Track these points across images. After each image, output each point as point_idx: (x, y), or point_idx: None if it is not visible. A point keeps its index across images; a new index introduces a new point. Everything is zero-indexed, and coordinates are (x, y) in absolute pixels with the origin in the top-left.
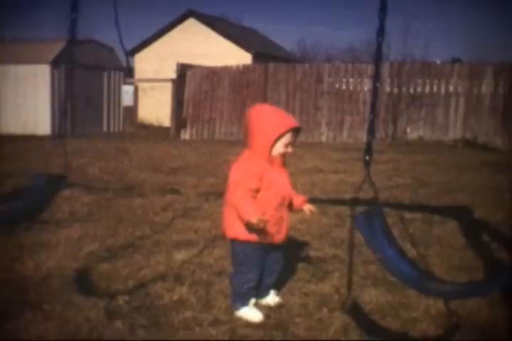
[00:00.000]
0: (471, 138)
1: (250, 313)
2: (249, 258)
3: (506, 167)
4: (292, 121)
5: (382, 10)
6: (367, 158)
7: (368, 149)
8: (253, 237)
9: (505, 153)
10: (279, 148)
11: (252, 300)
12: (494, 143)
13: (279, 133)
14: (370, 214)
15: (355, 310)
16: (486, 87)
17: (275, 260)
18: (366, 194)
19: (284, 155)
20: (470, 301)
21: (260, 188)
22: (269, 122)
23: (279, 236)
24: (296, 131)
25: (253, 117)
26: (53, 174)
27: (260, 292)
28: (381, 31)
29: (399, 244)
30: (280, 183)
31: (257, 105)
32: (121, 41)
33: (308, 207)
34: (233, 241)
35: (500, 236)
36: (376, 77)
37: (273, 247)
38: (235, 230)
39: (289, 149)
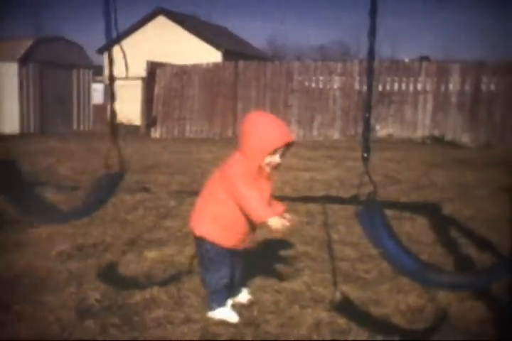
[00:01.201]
0: (439, 136)
1: (227, 314)
2: (221, 253)
3: (474, 163)
4: (289, 136)
5: (373, 9)
6: (365, 155)
7: (366, 146)
8: (223, 242)
9: (472, 149)
10: (271, 158)
11: (229, 302)
12: (462, 140)
13: (274, 147)
14: (370, 209)
15: (328, 307)
16: (453, 85)
17: (237, 260)
18: (337, 191)
19: (272, 168)
20: (440, 296)
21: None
22: (269, 133)
23: (244, 244)
24: (290, 144)
25: (253, 124)
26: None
27: (231, 291)
28: (373, 30)
29: (399, 238)
30: (264, 191)
31: (258, 111)
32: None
33: (288, 216)
34: (203, 238)
35: (468, 232)
36: (370, 75)
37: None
38: (207, 230)
39: (279, 160)
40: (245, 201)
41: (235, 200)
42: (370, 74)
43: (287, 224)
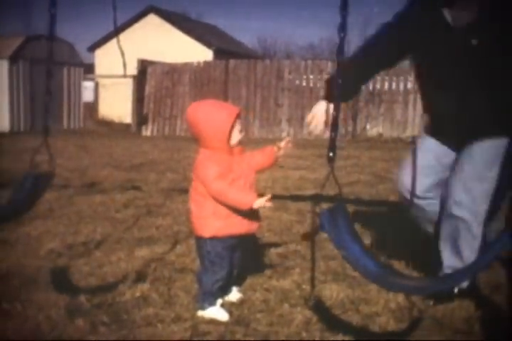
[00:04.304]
0: None
1: (217, 313)
2: (221, 256)
3: None
4: (234, 108)
5: (344, 6)
6: (331, 154)
7: (332, 146)
8: (233, 230)
9: None
10: (235, 136)
11: (220, 301)
12: None
13: (230, 124)
14: (334, 211)
15: (317, 305)
16: None
17: (235, 256)
18: (327, 190)
19: (239, 142)
20: (427, 296)
21: (233, 179)
22: (217, 117)
23: (253, 225)
24: (239, 115)
25: (197, 116)
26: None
27: (224, 290)
28: (343, 27)
29: (362, 241)
30: (245, 171)
31: (194, 103)
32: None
33: (278, 145)
34: (205, 240)
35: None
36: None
37: (238, 241)
38: (214, 228)
39: (243, 133)
40: (223, 196)
41: (213, 198)
42: (339, 72)
43: (268, 197)
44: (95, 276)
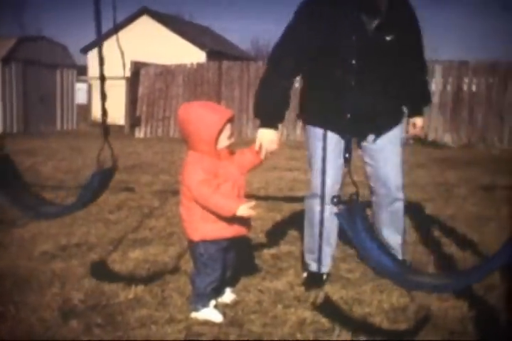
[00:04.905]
0: (421, 136)
1: (211, 315)
2: (213, 258)
3: (455, 163)
4: (226, 112)
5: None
6: (346, 155)
7: (347, 146)
8: (223, 233)
9: (454, 149)
10: (223, 141)
11: (213, 302)
12: (444, 140)
13: (219, 128)
14: (352, 210)
15: (311, 306)
16: (435, 85)
17: (228, 257)
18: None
19: (229, 147)
20: (422, 295)
21: (219, 184)
22: (206, 119)
23: (243, 228)
24: (231, 119)
25: (186, 118)
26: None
27: (218, 291)
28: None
29: (380, 240)
30: (233, 175)
31: (185, 104)
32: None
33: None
34: (197, 243)
35: (449, 230)
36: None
37: (234, 242)
38: (203, 231)
39: (232, 139)
40: (206, 202)
41: (197, 203)
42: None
43: (252, 204)
44: (89, 278)
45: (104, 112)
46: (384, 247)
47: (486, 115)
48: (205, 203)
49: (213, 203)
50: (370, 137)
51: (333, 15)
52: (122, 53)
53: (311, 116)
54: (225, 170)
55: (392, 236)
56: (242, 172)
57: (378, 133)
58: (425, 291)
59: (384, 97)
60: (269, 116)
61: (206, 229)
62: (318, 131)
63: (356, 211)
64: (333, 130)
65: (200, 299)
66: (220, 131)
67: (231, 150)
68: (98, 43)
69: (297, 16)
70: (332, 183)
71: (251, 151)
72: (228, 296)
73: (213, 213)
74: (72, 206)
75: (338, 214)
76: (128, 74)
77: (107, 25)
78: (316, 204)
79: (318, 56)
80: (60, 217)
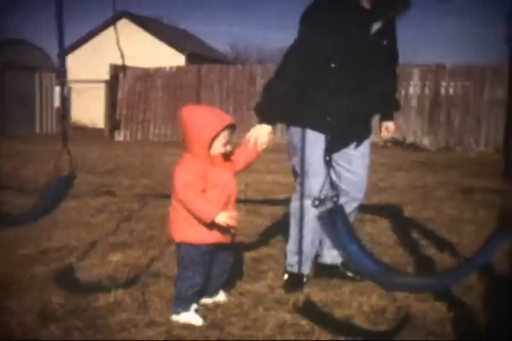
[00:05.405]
0: (400, 139)
1: (191, 319)
2: (195, 262)
3: (433, 166)
4: (226, 119)
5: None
6: (327, 158)
7: (328, 150)
8: (202, 239)
9: (432, 152)
10: (217, 147)
11: (194, 306)
12: (422, 143)
13: (214, 133)
14: (332, 212)
15: (291, 309)
16: (413, 89)
17: (225, 260)
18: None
19: (225, 154)
20: (401, 297)
21: (206, 189)
22: (204, 122)
23: (225, 236)
24: (231, 128)
25: (186, 118)
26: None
27: (210, 293)
28: None
29: (361, 241)
30: (224, 182)
31: (189, 106)
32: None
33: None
34: (179, 244)
35: (428, 233)
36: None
37: (221, 247)
38: (183, 233)
39: (228, 148)
40: (187, 205)
41: (181, 205)
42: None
43: (232, 214)
44: (69, 282)
45: (63, 117)
46: (365, 249)
47: (463, 118)
48: (188, 205)
49: (194, 206)
50: (356, 142)
51: (338, 21)
52: (122, 55)
53: (307, 120)
54: (215, 176)
55: None
56: (241, 168)
57: (367, 137)
58: (406, 292)
59: (374, 102)
60: (270, 112)
61: (187, 231)
62: (314, 135)
63: (337, 213)
64: (327, 134)
65: (182, 302)
66: (216, 136)
67: (228, 158)
68: (61, 48)
69: (304, 26)
70: (324, 186)
71: (245, 148)
72: (219, 297)
73: (194, 216)
74: (28, 216)
75: (319, 217)
76: (105, 77)
77: (86, 29)
78: (309, 206)
79: (325, 62)
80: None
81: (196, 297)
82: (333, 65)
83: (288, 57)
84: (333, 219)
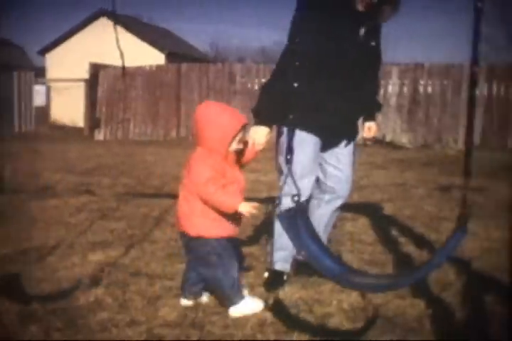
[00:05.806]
0: (379, 137)
1: (251, 304)
2: (227, 248)
3: (413, 164)
4: (243, 118)
5: None
6: (288, 157)
7: (289, 148)
8: (219, 233)
9: (411, 150)
10: (235, 144)
11: (245, 291)
12: (401, 141)
13: (236, 131)
14: (292, 212)
15: (271, 307)
16: (392, 87)
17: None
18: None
19: (236, 152)
20: (380, 294)
21: (226, 184)
22: (226, 119)
23: (236, 229)
24: (245, 127)
25: (206, 114)
26: None
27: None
28: None
29: (321, 240)
30: (238, 178)
31: (207, 102)
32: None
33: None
34: (197, 238)
35: (408, 230)
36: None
37: (231, 241)
38: (201, 226)
39: (241, 145)
40: (211, 199)
41: (201, 200)
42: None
43: (255, 204)
44: (49, 282)
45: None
46: (326, 248)
47: (442, 116)
48: (211, 200)
49: (217, 197)
50: (346, 141)
51: (330, 22)
52: (122, 54)
53: (296, 120)
54: (231, 173)
55: (328, 229)
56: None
57: (355, 137)
58: (365, 291)
59: (360, 102)
60: (267, 113)
61: (205, 225)
62: (303, 135)
63: (298, 213)
64: (318, 134)
65: (236, 291)
66: (237, 133)
67: (239, 155)
68: None
69: (297, 28)
70: (313, 185)
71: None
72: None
73: (214, 209)
74: None
75: (279, 216)
76: (84, 76)
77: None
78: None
79: (318, 63)
80: None
81: (240, 284)
82: (324, 66)
83: (284, 57)
84: (293, 218)
